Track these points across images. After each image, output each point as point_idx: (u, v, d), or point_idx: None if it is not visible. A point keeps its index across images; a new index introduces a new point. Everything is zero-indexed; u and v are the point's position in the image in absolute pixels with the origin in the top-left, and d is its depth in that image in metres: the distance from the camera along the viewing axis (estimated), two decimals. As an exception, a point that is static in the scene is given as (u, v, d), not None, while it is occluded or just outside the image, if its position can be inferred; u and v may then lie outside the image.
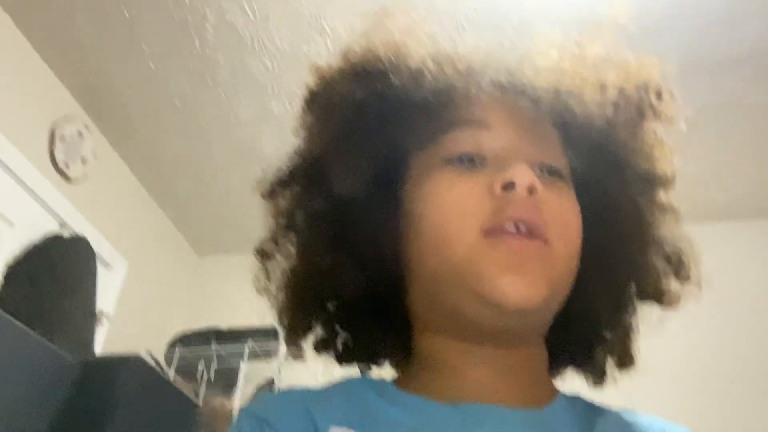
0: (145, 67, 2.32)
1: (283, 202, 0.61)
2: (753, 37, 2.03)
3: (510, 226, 0.48)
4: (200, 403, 2.29)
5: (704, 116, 2.25)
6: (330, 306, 0.59)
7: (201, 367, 2.56)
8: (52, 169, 2.34)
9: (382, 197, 0.56)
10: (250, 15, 2.11)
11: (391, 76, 0.54)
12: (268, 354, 2.55)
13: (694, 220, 0.62)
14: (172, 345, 2.65)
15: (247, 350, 2.53)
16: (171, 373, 2.54)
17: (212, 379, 2.53)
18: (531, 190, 0.49)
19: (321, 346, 0.60)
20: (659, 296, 0.58)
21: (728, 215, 2.68)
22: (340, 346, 0.60)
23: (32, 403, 0.77)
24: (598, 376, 0.60)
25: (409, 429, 0.48)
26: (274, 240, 0.61)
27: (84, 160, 2.47)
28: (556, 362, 0.59)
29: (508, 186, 0.49)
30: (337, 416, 0.49)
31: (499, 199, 0.49)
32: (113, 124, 2.58)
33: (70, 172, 2.40)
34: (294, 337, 0.60)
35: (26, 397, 0.76)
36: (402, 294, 0.56)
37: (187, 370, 2.59)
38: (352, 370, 0.61)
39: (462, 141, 0.53)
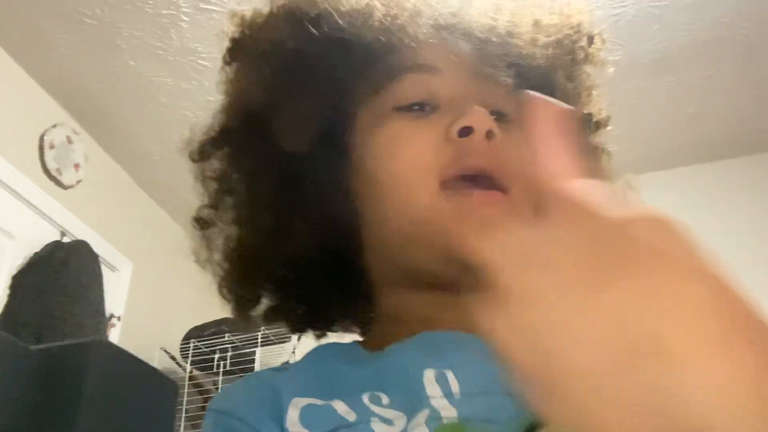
0: (125, 65, 2.29)
1: (217, 163, 0.57)
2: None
3: (469, 175, 0.46)
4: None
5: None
6: (280, 271, 0.55)
7: (217, 357, 2.58)
8: (45, 177, 2.34)
9: (326, 150, 0.52)
10: None
11: (330, 17, 0.50)
12: (282, 338, 2.57)
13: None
14: (187, 339, 2.67)
15: (260, 336, 2.55)
16: (188, 367, 2.56)
17: (230, 368, 2.55)
18: (489, 135, 0.46)
19: (272, 315, 0.57)
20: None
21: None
22: (293, 314, 0.57)
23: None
24: None
25: (370, 379, 0.45)
26: (213, 206, 0.57)
27: (76, 166, 2.46)
28: None
29: (466, 131, 0.46)
30: (300, 388, 0.46)
31: (456, 146, 0.47)
32: (101, 125, 2.56)
33: (64, 179, 2.39)
34: (243, 308, 0.56)
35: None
36: (358, 251, 0.53)
37: (204, 362, 2.61)
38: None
39: (412, 87, 0.50)
